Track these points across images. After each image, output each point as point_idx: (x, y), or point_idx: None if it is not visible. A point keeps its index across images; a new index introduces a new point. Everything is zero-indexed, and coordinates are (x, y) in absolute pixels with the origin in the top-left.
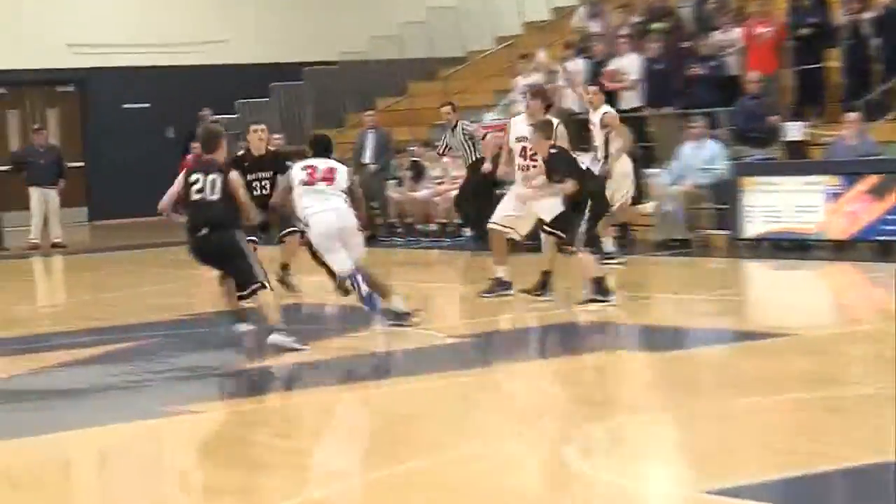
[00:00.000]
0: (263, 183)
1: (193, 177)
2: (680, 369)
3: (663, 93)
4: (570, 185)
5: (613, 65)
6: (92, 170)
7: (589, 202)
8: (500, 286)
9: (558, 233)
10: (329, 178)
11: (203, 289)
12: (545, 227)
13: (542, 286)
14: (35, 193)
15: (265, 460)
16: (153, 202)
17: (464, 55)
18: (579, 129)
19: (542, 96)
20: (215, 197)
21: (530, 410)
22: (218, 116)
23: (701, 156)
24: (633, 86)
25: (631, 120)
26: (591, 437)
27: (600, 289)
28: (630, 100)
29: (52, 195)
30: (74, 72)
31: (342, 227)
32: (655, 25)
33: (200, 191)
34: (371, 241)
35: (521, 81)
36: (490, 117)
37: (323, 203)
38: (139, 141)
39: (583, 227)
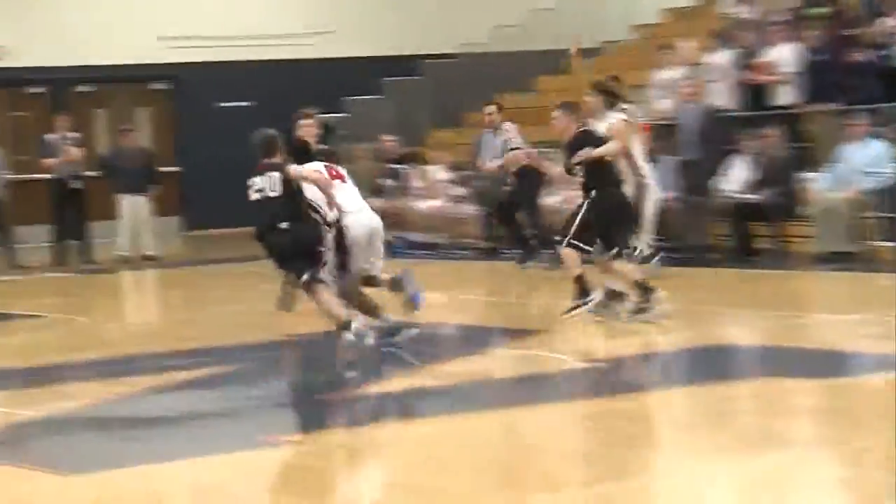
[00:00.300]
0: None
1: (252, 179)
2: (843, 399)
3: (823, 87)
4: (607, 148)
5: (766, 56)
6: (186, 175)
7: (594, 193)
8: (614, 298)
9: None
10: (342, 175)
11: (306, 306)
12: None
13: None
14: (124, 201)
15: (371, 497)
16: (253, 211)
17: (596, 46)
18: (727, 127)
19: (600, 90)
20: (275, 193)
21: (673, 444)
22: (325, 116)
23: (865, 157)
24: (788, 79)
25: (786, 117)
26: (745, 474)
27: (581, 291)
28: (785, 95)
29: (143, 203)
30: (166, 67)
31: (376, 226)
32: (815, 11)
33: (260, 190)
34: (491, 254)
35: (661, 75)
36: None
37: (354, 201)
38: (238, 143)
39: (579, 219)
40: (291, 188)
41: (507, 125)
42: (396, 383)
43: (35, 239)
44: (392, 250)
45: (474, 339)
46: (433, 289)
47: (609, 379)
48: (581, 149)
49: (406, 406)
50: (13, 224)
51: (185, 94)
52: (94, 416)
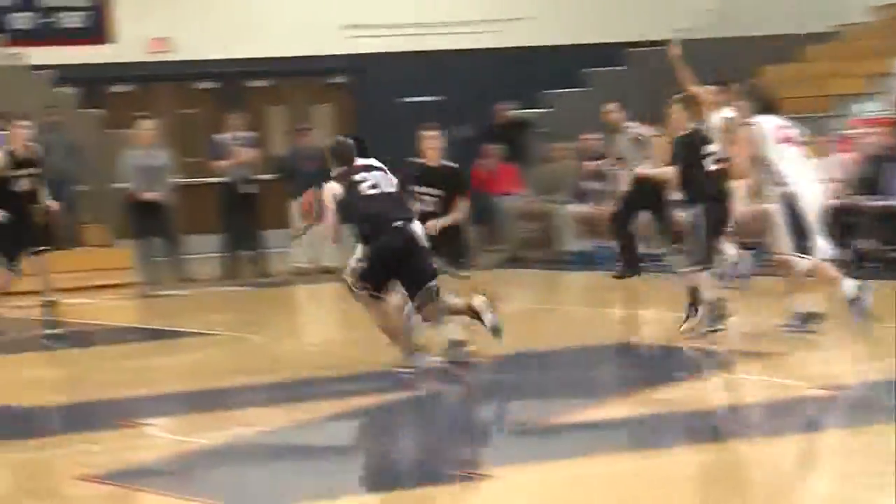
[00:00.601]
0: (428, 200)
1: (359, 176)
2: None
3: None
4: (665, 171)
5: None
6: None
7: (697, 206)
8: (810, 319)
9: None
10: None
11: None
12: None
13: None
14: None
15: None
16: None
17: (831, 30)
18: None
19: (755, 95)
20: (393, 189)
21: None
22: (522, 111)
23: None
24: None
25: None
26: None
27: (714, 315)
28: None
29: None
30: (348, 59)
31: None
32: None
33: (375, 186)
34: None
35: None
36: (863, 109)
37: None
38: None
39: (694, 237)
40: (404, 186)
41: (632, 124)
42: (605, 411)
43: (204, 249)
44: (595, 260)
45: (690, 362)
46: (642, 306)
47: (855, 407)
48: (685, 149)
49: (616, 436)
50: (181, 233)
51: (368, 89)
52: (268, 444)
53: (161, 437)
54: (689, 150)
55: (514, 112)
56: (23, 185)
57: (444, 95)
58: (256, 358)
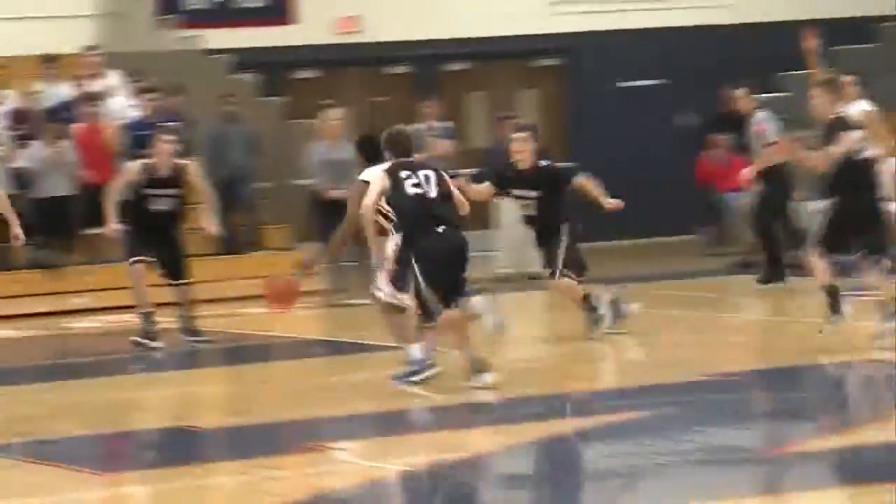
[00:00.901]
0: (525, 203)
1: (404, 172)
2: None
3: None
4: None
5: None
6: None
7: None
8: None
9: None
10: None
11: (725, 338)
12: None
13: None
14: (505, 207)
15: None
16: (666, 217)
17: None
18: None
19: None
20: (433, 194)
21: None
22: (755, 96)
23: None
24: None
25: None
26: None
27: (834, 304)
28: None
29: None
30: (558, 38)
31: None
32: None
33: (417, 185)
34: None
35: None
36: None
37: None
38: (647, 132)
39: (825, 223)
40: (448, 188)
41: (760, 114)
42: (846, 437)
43: None
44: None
45: None
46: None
47: None
48: (825, 136)
49: (861, 466)
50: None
51: (581, 72)
52: (468, 471)
53: (351, 462)
54: (835, 132)
55: (747, 98)
56: (161, 205)
57: (667, 79)
58: (453, 376)
